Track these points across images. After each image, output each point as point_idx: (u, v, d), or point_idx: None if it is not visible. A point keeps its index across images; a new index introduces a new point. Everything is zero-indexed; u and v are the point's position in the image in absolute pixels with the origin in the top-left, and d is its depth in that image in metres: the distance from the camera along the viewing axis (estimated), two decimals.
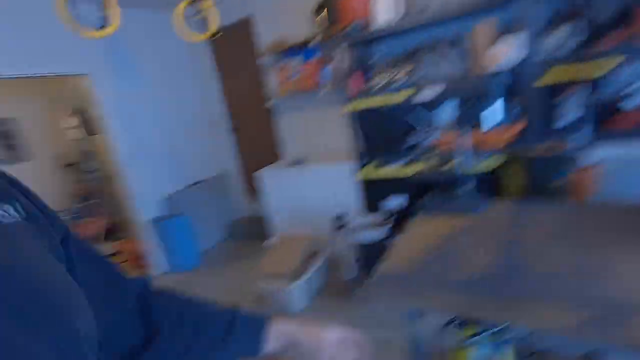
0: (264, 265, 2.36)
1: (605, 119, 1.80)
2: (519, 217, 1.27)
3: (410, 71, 2.29)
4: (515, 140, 1.92)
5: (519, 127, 1.92)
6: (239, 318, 0.50)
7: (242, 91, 3.62)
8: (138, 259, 3.38)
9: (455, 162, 1.45)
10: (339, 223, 2.40)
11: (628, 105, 1.76)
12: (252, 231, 3.62)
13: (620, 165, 1.38)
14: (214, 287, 2.84)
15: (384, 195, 2.46)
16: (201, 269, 3.24)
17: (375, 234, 2.30)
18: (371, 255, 2.33)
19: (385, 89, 2.30)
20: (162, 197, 3.33)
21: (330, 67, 2.78)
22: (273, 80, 3.19)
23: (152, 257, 3.26)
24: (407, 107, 2.19)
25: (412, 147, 2.27)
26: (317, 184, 2.75)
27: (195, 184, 3.63)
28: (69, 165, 4.45)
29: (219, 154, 3.94)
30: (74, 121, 4.10)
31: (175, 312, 0.46)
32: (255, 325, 0.50)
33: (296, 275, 2.20)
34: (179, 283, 3.06)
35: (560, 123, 1.82)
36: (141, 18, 3.19)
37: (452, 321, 1.22)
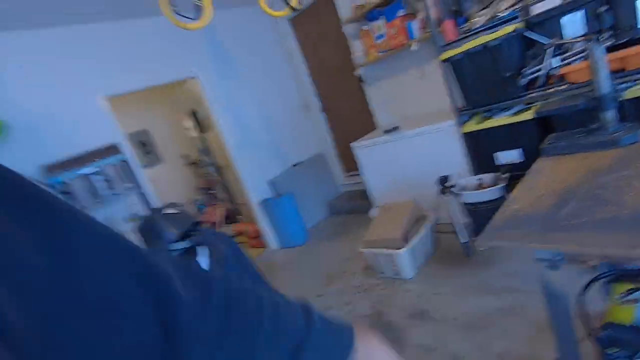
0: (369, 233, 2.35)
1: None
2: None
3: (515, 3, 1.96)
4: None
5: None
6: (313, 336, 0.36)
7: (329, 67, 3.63)
8: (256, 239, 3.74)
9: (588, 91, 1.18)
10: (445, 185, 2.23)
11: None
12: (354, 205, 3.65)
13: None
14: (324, 259, 2.96)
15: (493, 151, 2.19)
16: (310, 244, 3.42)
17: (486, 194, 2.07)
18: (483, 217, 2.10)
19: (487, 27, 2.02)
20: (268, 181, 3.59)
21: (417, 20, 2.56)
22: (359, 49, 3.10)
23: (266, 236, 3.57)
24: (515, 42, 1.88)
25: (525, 88, 1.95)
26: (416, 148, 2.60)
27: (296, 165, 3.82)
28: (192, 162, 5.15)
29: (315, 133, 4.06)
30: (190, 122, 4.70)
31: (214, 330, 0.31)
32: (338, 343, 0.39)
33: (403, 241, 2.13)
34: (290, 257, 3.28)
35: None
36: (230, 17, 3.42)
37: (603, 274, 1.01)
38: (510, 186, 2.11)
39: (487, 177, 2.24)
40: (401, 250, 2.09)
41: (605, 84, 1.11)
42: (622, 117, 1.15)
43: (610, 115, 1.13)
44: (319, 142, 4.07)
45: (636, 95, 1.58)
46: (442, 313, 1.82)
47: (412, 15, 2.65)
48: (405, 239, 2.15)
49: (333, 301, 2.30)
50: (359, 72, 3.19)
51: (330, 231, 3.54)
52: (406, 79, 2.98)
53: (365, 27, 2.93)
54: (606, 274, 1.10)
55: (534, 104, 1.96)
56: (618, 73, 1.60)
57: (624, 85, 1.64)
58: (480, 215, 2.13)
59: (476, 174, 2.33)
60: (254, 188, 3.49)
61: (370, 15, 2.86)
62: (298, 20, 3.64)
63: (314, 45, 3.65)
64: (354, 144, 3.01)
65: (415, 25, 2.57)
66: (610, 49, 1.58)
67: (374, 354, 0.41)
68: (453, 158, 2.41)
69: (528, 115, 1.95)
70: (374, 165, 2.94)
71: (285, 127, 3.84)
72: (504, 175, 2.12)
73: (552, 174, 1.09)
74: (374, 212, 2.68)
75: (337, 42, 3.37)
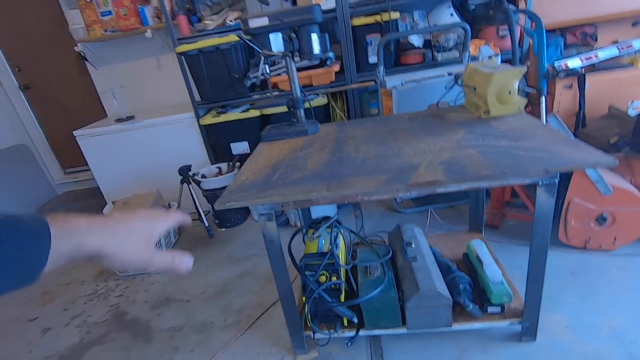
0: None
1: (399, 56, 2.29)
2: (342, 131, 1.53)
3: (240, 16, 2.31)
4: (337, 79, 2.23)
5: (337, 67, 2.23)
6: None
7: (34, 36, 2.87)
8: None
9: (291, 97, 1.59)
10: (187, 175, 2.32)
11: (410, 47, 2.28)
12: (79, 207, 3.08)
13: (405, 90, 1.83)
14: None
15: (228, 142, 2.48)
16: None
17: (223, 180, 2.32)
18: None
19: (218, 31, 2.25)
20: None
21: (150, 7, 2.49)
22: (78, 20, 2.64)
23: None
24: (241, 48, 2.22)
25: (251, 89, 2.34)
26: (156, 139, 2.53)
27: None
28: None
29: (10, 118, 3.09)
30: None
31: None
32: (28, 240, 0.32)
33: None
34: None
35: (369, 60, 2.22)
36: None
37: (302, 227, 1.42)
38: None
39: (224, 165, 2.51)
40: None
41: (297, 90, 1.55)
42: (311, 117, 1.63)
43: (301, 112, 1.58)
44: (18, 130, 3.14)
45: (318, 104, 2.26)
46: (189, 293, 1.90)
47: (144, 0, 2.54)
48: None
49: (54, 320, 1.89)
50: (80, 48, 2.72)
51: None
52: (142, 67, 2.83)
53: None
54: (304, 226, 1.54)
55: (257, 104, 2.38)
56: (307, 87, 2.24)
57: (311, 96, 2.31)
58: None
59: (215, 163, 2.56)
60: None
61: None
62: None
63: (7, 4, 2.78)
64: (77, 133, 2.55)
65: (149, 11, 2.49)
66: (303, 69, 2.18)
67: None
68: (193, 149, 2.53)
69: (254, 113, 2.35)
70: (106, 157, 2.61)
71: None
72: (237, 164, 2.45)
73: (267, 153, 1.41)
74: (108, 209, 2.39)
75: (45, 6, 2.72)
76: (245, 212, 2.54)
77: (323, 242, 1.38)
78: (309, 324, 1.31)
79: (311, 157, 1.28)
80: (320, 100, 2.28)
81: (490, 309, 1.27)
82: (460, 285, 1.29)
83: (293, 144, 1.47)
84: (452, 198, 2.20)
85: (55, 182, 3.36)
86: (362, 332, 1.30)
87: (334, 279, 1.25)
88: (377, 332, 1.30)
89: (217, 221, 2.49)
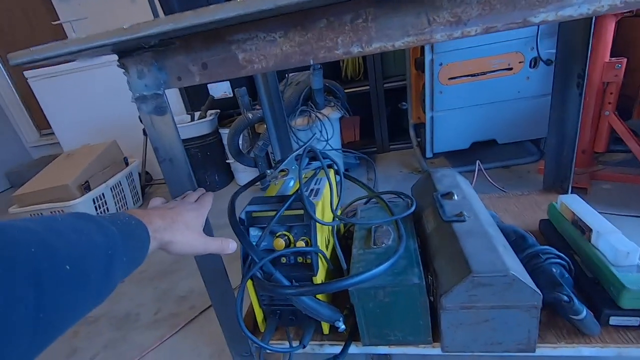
0: (26, 186, 1.60)
1: None
2: None
3: None
4: None
5: None
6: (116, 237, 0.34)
7: None
8: None
9: None
10: None
11: None
12: None
13: None
14: None
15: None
16: None
17: (190, 130, 1.78)
18: (194, 156, 1.83)
19: None
20: None
21: None
22: None
23: None
24: None
25: None
26: (117, 82, 2.02)
27: None
28: None
29: None
30: None
31: None
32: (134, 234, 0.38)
33: (78, 189, 1.53)
34: None
35: None
36: None
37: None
38: (220, 119, 1.92)
39: (198, 114, 1.97)
40: (75, 201, 1.48)
41: None
42: None
43: None
44: None
45: None
46: None
47: None
48: (87, 187, 1.56)
49: None
50: None
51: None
52: None
53: None
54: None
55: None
56: None
57: None
58: (193, 155, 1.83)
59: (190, 110, 2.02)
60: None
61: None
62: None
63: None
64: (29, 74, 2.08)
65: None
66: None
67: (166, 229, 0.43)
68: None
69: None
70: (63, 104, 2.14)
71: None
72: (213, 111, 1.90)
73: None
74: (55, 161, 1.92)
75: None
76: (228, 174, 1.99)
77: (292, 184, 0.79)
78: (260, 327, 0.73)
79: None
80: None
81: (615, 320, 0.63)
82: (554, 270, 0.65)
83: None
84: (507, 154, 1.54)
85: (28, 144, 2.96)
86: (355, 349, 0.70)
87: (301, 245, 0.65)
88: (383, 349, 0.69)
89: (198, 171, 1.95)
